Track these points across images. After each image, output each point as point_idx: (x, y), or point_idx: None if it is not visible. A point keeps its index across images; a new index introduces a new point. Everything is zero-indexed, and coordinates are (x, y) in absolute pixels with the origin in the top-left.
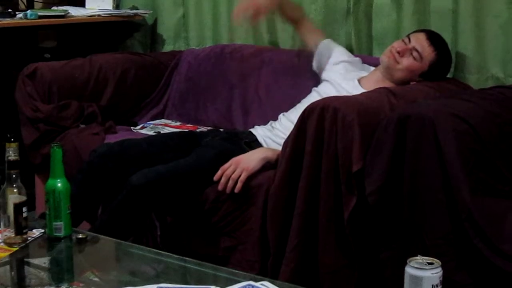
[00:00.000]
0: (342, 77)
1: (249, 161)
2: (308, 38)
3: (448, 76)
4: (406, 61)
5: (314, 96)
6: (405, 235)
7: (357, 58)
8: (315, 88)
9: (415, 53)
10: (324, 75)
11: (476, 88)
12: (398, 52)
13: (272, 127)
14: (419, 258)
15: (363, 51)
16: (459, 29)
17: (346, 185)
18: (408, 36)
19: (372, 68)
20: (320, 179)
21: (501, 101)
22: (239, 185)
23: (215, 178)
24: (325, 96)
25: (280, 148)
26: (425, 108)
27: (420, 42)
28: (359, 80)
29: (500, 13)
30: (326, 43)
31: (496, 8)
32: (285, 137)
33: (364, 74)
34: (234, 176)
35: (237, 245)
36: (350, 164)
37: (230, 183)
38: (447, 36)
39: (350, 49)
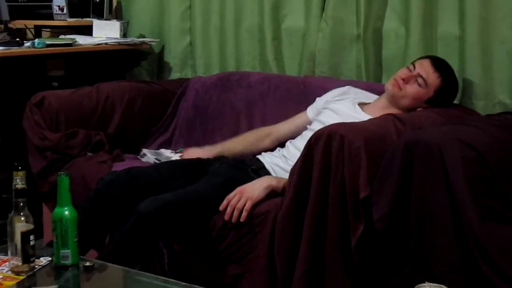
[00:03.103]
0: (339, 104)
1: (253, 190)
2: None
3: (455, 102)
4: (411, 88)
5: (317, 125)
6: (412, 262)
7: (346, 87)
8: (316, 117)
9: (420, 80)
10: (323, 109)
11: (483, 114)
12: (403, 79)
13: (283, 155)
14: (427, 285)
15: (372, 78)
16: (466, 56)
17: (354, 212)
18: (412, 63)
19: (364, 92)
20: (327, 206)
21: (509, 127)
22: (244, 214)
23: (221, 208)
24: (327, 123)
25: (288, 175)
26: (432, 135)
27: (424, 68)
28: (360, 106)
29: (507, 40)
30: (309, 110)
31: (502, 34)
32: (293, 164)
33: (360, 97)
34: (239, 205)
35: (244, 273)
36: (357, 191)
37: (236, 213)
38: (454, 63)
39: (359, 76)
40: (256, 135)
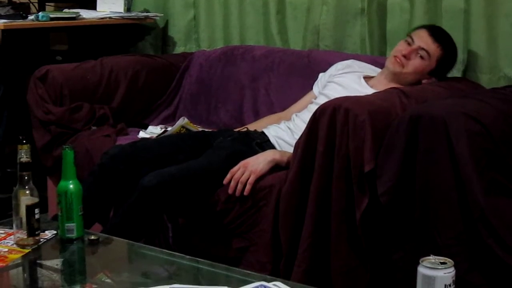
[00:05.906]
0: (344, 77)
1: (257, 163)
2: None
3: (460, 75)
4: (413, 63)
5: (322, 99)
6: (417, 235)
7: (350, 60)
8: (321, 91)
9: (422, 52)
10: (328, 82)
11: (488, 87)
12: (404, 56)
13: (289, 128)
14: (432, 258)
15: (376, 52)
16: (471, 29)
17: (358, 185)
18: (409, 35)
19: (368, 65)
20: (332, 179)
21: None
22: (247, 187)
23: (225, 181)
24: (332, 97)
25: (292, 149)
26: (437, 108)
27: (424, 40)
28: (366, 80)
29: None
30: (314, 88)
31: (508, 7)
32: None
33: (365, 71)
34: (243, 179)
35: (249, 246)
36: (362, 165)
37: (239, 186)
38: (458, 36)
39: (363, 50)
40: (269, 122)
